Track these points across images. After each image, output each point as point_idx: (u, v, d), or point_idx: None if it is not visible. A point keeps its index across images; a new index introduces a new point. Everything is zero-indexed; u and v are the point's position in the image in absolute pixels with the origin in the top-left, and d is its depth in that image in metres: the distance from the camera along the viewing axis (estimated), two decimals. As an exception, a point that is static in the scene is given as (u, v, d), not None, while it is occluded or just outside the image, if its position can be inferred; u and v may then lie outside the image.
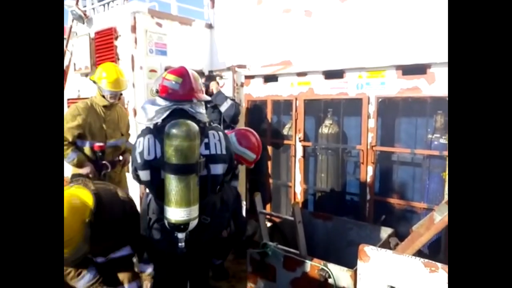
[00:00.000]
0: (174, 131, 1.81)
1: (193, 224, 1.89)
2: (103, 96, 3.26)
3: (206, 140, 2.00)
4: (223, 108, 3.83)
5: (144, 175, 1.97)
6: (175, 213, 1.84)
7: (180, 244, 1.93)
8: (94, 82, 3.27)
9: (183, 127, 1.82)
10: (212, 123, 2.17)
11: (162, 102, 2.02)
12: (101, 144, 3.23)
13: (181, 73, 2.05)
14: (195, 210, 1.88)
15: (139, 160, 1.96)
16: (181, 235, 1.92)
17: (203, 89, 2.16)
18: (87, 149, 3.23)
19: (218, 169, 2.04)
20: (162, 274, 2.21)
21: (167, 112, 1.99)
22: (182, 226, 1.87)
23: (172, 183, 1.82)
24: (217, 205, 2.16)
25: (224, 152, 2.04)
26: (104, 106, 3.28)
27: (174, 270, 2.17)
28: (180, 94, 2.01)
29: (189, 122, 1.87)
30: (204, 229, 2.04)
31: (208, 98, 2.21)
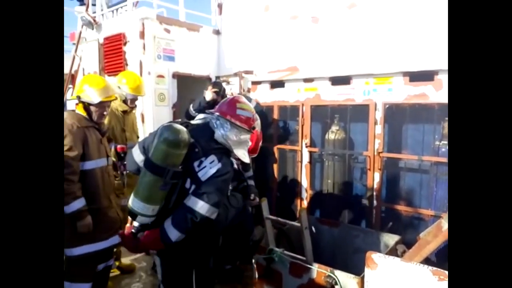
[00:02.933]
0: (164, 131, 1.92)
1: (142, 220, 1.97)
2: (124, 102, 3.50)
3: (203, 159, 1.98)
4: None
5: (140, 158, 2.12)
6: (131, 200, 1.97)
7: (132, 230, 2.03)
8: (118, 87, 3.51)
9: (171, 132, 1.91)
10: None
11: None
12: (123, 146, 3.41)
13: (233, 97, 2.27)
14: (149, 209, 1.94)
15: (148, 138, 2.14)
16: (135, 223, 2.02)
17: (239, 117, 2.12)
18: (112, 151, 3.37)
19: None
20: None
21: (198, 114, 2.27)
22: (132, 215, 1.99)
23: (142, 176, 1.95)
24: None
25: (202, 179, 1.96)
26: (123, 111, 3.50)
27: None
28: (215, 108, 2.20)
29: (182, 130, 1.94)
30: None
31: (239, 123, 2.13)
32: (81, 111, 2.65)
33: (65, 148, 2.41)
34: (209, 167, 1.96)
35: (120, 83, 3.46)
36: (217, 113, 2.11)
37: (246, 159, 2.18)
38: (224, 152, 2.07)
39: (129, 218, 2.07)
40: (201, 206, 1.91)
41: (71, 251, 2.47)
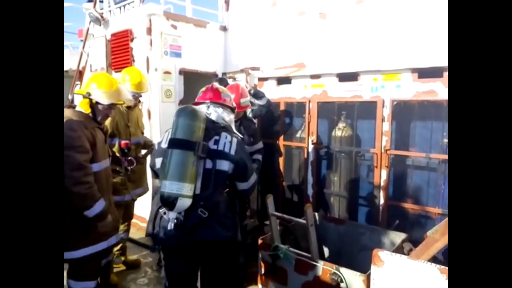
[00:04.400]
0: (180, 112, 2.11)
1: (182, 203, 1.95)
2: None
3: (216, 137, 2.16)
4: (263, 101, 3.83)
5: (159, 162, 2.18)
6: (167, 185, 1.96)
7: (169, 224, 2.00)
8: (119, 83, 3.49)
9: (189, 109, 2.12)
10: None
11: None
12: (127, 141, 3.41)
13: (207, 87, 2.40)
14: (186, 188, 1.96)
15: (156, 147, 2.30)
16: (172, 215, 2.00)
17: (225, 99, 2.35)
18: (116, 147, 3.39)
19: (224, 165, 2.13)
20: (166, 264, 2.28)
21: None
22: (170, 201, 1.95)
23: (171, 157, 2.01)
24: (220, 206, 2.13)
25: (232, 153, 2.14)
26: (127, 107, 3.49)
27: (173, 260, 2.22)
28: (199, 98, 2.37)
29: (196, 108, 2.17)
30: (201, 223, 2.03)
31: (232, 105, 2.41)
32: (85, 108, 2.55)
33: (79, 149, 2.34)
34: (228, 140, 2.17)
35: (123, 80, 3.45)
36: (208, 101, 2.29)
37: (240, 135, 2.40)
38: (228, 131, 2.26)
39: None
40: (254, 179, 2.32)
41: (72, 253, 2.41)
